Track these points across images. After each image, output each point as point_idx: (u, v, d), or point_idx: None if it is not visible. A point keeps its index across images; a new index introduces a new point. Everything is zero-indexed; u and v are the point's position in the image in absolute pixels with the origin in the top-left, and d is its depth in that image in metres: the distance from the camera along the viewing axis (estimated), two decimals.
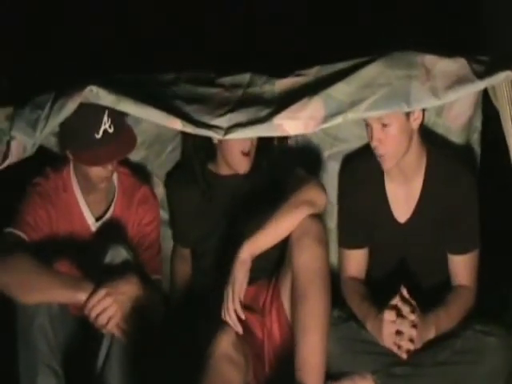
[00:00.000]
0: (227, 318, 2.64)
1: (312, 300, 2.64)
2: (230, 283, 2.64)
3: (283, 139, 3.08)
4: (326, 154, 3.11)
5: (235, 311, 2.62)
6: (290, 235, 2.72)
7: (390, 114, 2.60)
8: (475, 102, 2.93)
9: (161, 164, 3.16)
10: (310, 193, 2.77)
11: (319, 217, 2.77)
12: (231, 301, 2.62)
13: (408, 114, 2.64)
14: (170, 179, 3.14)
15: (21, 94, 2.68)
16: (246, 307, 2.84)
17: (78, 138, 2.63)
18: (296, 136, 3.07)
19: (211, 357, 2.62)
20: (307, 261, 2.66)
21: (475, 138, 3.03)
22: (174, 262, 3.16)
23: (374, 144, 2.69)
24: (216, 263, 3.02)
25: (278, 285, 2.88)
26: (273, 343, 2.84)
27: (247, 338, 2.78)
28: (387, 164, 2.72)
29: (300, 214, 2.71)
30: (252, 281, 2.87)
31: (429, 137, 2.86)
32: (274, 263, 2.94)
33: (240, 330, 2.64)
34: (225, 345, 2.65)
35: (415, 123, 2.68)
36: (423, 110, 2.69)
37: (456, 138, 3.00)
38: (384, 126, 2.65)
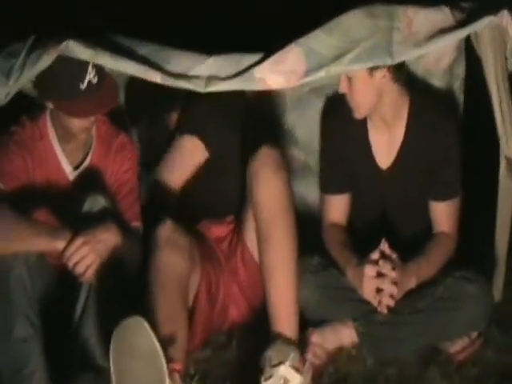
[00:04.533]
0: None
1: (276, 239, 2.60)
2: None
3: None
4: (306, 88, 3.06)
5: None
6: (248, 168, 2.68)
7: None
8: (457, 47, 2.89)
9: None
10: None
11: (278, 145, 2.72)
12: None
13: (371, 72, 2.61)
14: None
15: None
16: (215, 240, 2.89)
17: (62, 88, 2.58)
18: None
19: (154, 246, 2.61)
20: (267, 197, 2.61)
21: (458, 85, 3.01)
22: None
23: (342, 92, 2.70)
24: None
25: (241, 224, 2.87)
26: (240, 285, 2.85)
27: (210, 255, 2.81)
28: (356, 114, 2.73)
29: None
30: (218, 217, 2.91)
31: (410, 81, 2.84)
32: (239, 200, 2.90)
33: None
34: (164, 231, 2.63)
35: (381, 81, 2.64)
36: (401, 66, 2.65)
37: (438, 81, 2.98)
38: (349, 78, 2.64)
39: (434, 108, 2.78)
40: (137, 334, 2.21)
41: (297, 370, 2.47)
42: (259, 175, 2.63)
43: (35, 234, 2.46)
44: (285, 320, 2.59)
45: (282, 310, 2.59)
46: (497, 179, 2.84)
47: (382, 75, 2.63)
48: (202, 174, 2.95)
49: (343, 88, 2.68)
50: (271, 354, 2.50)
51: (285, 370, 2.45)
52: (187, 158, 2.94)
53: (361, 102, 2.69)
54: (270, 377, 2.45)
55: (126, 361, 2.21)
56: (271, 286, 2.60)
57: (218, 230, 2.94)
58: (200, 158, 2.93)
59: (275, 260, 2.60)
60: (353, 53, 2.49)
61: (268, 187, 2.61)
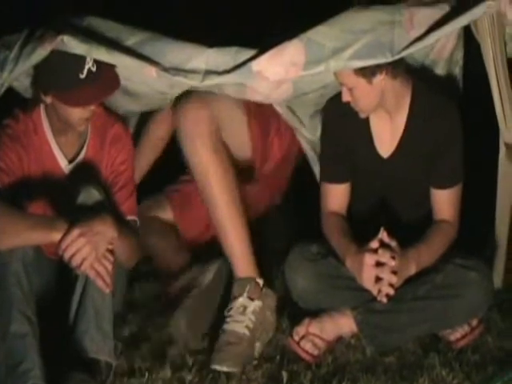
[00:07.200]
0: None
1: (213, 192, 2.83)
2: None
3: None
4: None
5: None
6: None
7: (352, 79, 2.59)
8: (457, 34, 2.83)
9: None
10: None
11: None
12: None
13: (370, 79, 2.59)
14: None
15: None
16: None
17: (62, 78, 2.57)
18: None
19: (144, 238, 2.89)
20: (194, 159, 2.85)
21: (457, 72, 2.97)
22: None
23: (345, 101, 2.69)
24: None
25: None
26: None
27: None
28: (361, 115, 2.73)
29: None
30: None
31: (413, 71, 2.81)
32: None
33: None
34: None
35: (382, 83, 2.62)
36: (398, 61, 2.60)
37: (440, 70, 2.93)
38: (349, 89, 2.63)
39: (435, 95, 2.76)
40: None
41: (252, 299, 2.76)
42: (182, 135, 2.85)
43: (31, 227, 2.43)
44: (240, 265, 2.81)
45: (237, 258, 2.82)
46: (496, 165, 2.83)
47: (380, 79, 2.61)
48: None
49: (346, 98, 2.67)
50: (232, 292, 2.79)
51: (243, 300, 2.76)
52: None
53: (364, 107, 2.69)
54: (232, 308, 2.76)
55: None
56: (221, 238, 2.86)
57: None
58: None
59: (219, 215, 2.83)
60: (353, 47, 2.49)
61: (193, 149, 2.82)
